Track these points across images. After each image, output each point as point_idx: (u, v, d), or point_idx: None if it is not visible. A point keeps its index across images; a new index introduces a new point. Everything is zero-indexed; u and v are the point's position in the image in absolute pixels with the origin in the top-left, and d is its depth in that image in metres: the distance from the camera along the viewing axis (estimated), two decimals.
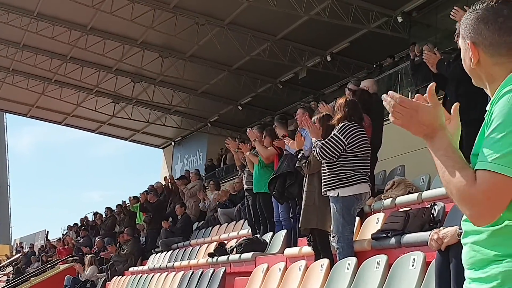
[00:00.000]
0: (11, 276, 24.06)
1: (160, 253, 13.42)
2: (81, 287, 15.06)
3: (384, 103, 1.83)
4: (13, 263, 27.17)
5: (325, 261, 5.98)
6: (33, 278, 18.67)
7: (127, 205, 17.95)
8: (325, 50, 18.84)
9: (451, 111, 1.93)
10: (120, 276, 13.74)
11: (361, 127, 6.04)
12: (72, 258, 18.20)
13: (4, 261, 31.60)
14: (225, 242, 10.26)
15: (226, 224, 12.30)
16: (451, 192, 1.75)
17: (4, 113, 43.29)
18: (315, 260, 6.31)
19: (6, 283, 22.33)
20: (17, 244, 35.09)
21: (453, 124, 1.92)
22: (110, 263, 14.93)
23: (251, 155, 9.20)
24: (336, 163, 5.90)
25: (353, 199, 5.86)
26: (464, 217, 1.83)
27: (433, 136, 1.81)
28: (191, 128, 26.83)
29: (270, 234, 8.92)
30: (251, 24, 18.12)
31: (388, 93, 1.83)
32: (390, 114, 1.83)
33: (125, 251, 14.88)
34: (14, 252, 33.31)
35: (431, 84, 1.84)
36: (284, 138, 7.75)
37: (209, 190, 14.99)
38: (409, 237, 5.37)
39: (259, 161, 9.09)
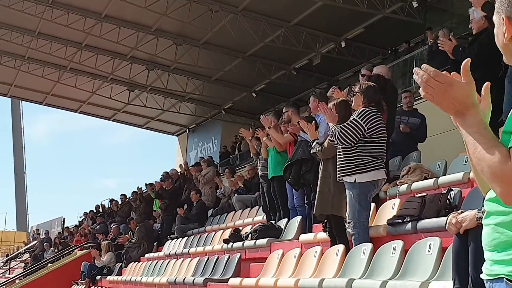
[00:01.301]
0: (28, 262, 24.32)
1: (176, 239, 13.49)
2: (98, 273, 15.18)
3: (415, 76, 1.80)
4: (30, 250, 27.45)
5: (340, 247, 5.98)
6: (50, 264, 18.85)
7: (143, 191, 18.05)
8: (339, 36, 18.76)
9: (482, 91, 1.89)
10: (136, 262, 13.85)
11: (380, 113, 6.02)
12: (88, 245, 18.34)
13: (22, 248, 31.95)
14: (240, 228, 10.29)
15: (241, 210, 12.34)
16: (482, 169, 1.72)
17: (20, 101, 43.57)
18: (331, 246, 6.31)
19: (24, 269, 22.59)
20: (33, 231, 35.43)
21: (484, 104, 1.87)
22: (125, 249, 15.07)
23: (267, 141, 9.19)
24: (353, 148, 5.89)
25: (369, 185, 5.85)
26: (488, 196, 1.81)
27: (464, 113, 1.77)
28: (205, 115, 26.87)
29: (285, 220, 8.93)
30: (265, 10, 18.06)
31: (422, 66, 1.79)
32: (421, 88, 1.79)
33: (135, 238, 15.02)
34: (31, 239, 33.65)
35: (466, 60, 1.80)
36: (300, 123, 7.72)
37: (224, 177, 15.03)
38: (425, 223, 5.36)
39: (274, 147, 9.09)
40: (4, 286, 19.98)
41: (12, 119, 53.12)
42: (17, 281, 19.58)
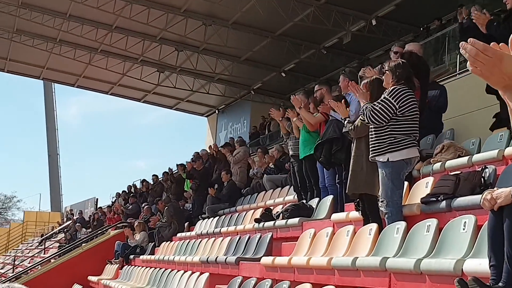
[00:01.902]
0: (63, 242, 24.74)
1: (207, 219, 13.60)
2: (131, 253, 15.39)
3: (462, 51, 1.75)
4: (65, 230, 27.91)
5: (373, 226, 5.97)
6: (84, 244, 19.15)
7: (174, 172, 18.18)
8: (370, 14, 18.54)
9: None
10: (168, 242, 14.00)
11: (412, 91, 5.95)
12: (121, 224, 18.57)
13: (56, 228, 32.50)
14: (271, 208, 10.32)
15: (271, 190, 12.36)
16: None
17: (53, 83, 44.04)
18: (363, 225, 6.30)
19: (59, 249, 22.99)
20: (67, 211, 35.99)
21: None
22: (157, 229, 15.25)
23: (298, 121, 9.17)
24: (385, 127, 5.84)
25: (402, 164, 5.81)
26: None
27: None
28: (235, 95, 26.88)
29: (316, 199, 8.92)
30: None
31: (469, 40, 1.75)
32: (468, 63, 1.75)
33: (164, 218, 15.19)
34: (65, 219, 34.18)
35: None
36: (330, 103, 7.67)
37: (256, 157, 15.06)
38: (459, 201, 5.31)
39: (304, 126, 9.07)
40: (39, 266, 20.37)
41: (45, 101, 53.77)
42: (52, 260, 19.95)
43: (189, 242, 12.30)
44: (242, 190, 14.18)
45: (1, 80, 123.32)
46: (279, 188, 12.06)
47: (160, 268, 11.77)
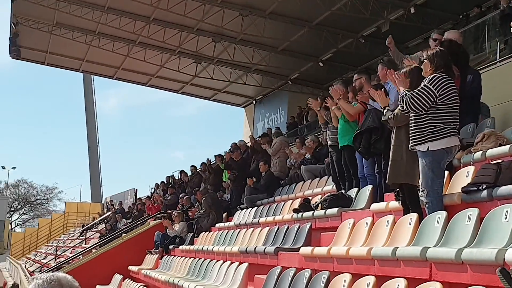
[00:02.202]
0: (103, 233, 25.11)
1: (245, 209, 13.65)
2: (170, 243, 15.55)
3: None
4: (105, 221, 28.32)
5: (414, 216, 5.92)
6: (124, 234, 19.42)
7: (212, 163, 18.28)
8: (408, 2, 18.32)
9: None
10: (207, 232, 14.10)
11: (451, 79, 5.87)
12: (161, 215, 18.76)
13: (97, 219, 33.01)
14: (309, 198, 10.30)
15: (310, 180, 12.34)
16: None
17: (92, 75, 44.62)
18: (403, 215, 6.25)
19: (100, 239, 23.35)
20: (107, 202, 36.51)
21: None
22: (195, 219, 15.37)
23: (337, 110, 9.12)
24: (425, 115, 5.77)
25: (443, 153, 5.74)
26: None
27: None
28: (272, 86, 26.86)
29: (355, 190, 8.88)
30: None
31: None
32: None
33: (203, 209, 15.30)
34: (105, 210, 34.68)
35: None
36: (369, 92, 7.61)
37: (294, 147, 15.05)
38: (501, 190, 5.23)
39: (342, 116, 9.02)
40: (81, 256, 20.73)
41: (84, 93, 54.53)
42: (93, 250, 20.29)
43: (227, 232, 12.37)
44: (281, 181, 14.19)
45: (42, 73, 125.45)
46: (318, 178, 12.03)
47: (200, 258, 11.86)
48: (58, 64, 29.13)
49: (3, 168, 73.87)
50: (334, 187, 9.98)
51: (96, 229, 29.65)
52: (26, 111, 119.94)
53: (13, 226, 79.13)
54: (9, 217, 76.19)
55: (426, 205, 5.77)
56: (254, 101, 29.58)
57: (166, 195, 21.01)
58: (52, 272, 2.36)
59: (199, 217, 15.25)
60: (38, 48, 26.65)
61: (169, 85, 29.42)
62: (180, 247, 14.67)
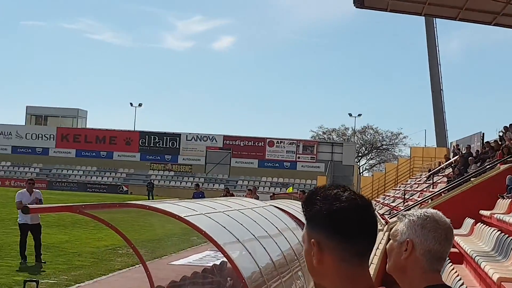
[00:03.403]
0: (451, 177, 24.93)
1: None
2: None
3: None
4: (452, 165, 28.05)
5: None
6: (473, 178, 19.01)
7: None
8: None
9: None
10: None
11: None
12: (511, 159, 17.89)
13: (442, 163, 32.88)
14: None
15: None
16: None
17: (434, 18, 44.00)
18: None
19: (447, 183, 23.26)
20: (454, 146, 36.03)
21: None
22: None
23: None
24: None
25: None
26: None
27: None
28: None
29: None
30: None
31: None
32: None
33: None
34: (452, 154, 34.30)
35: None
36: None
37: None
38: None
39: None
40: (429, 199, 20.94)
41: (426, 37, 54.10)
42: (442, 194, 20.31)
43: None
44: None
45: (382, 21, 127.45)
46: None
47: None
48: (400, 10, 29.22)
49: (350, 115, 77.90)
50: None
51: (443, 174, 29.54)
52: (370, 59, 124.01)
53: (361, 170, 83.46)
54: (357, 162, 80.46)
55: None
56: None
57: None
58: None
59: None
60: None
61: None
62: None
